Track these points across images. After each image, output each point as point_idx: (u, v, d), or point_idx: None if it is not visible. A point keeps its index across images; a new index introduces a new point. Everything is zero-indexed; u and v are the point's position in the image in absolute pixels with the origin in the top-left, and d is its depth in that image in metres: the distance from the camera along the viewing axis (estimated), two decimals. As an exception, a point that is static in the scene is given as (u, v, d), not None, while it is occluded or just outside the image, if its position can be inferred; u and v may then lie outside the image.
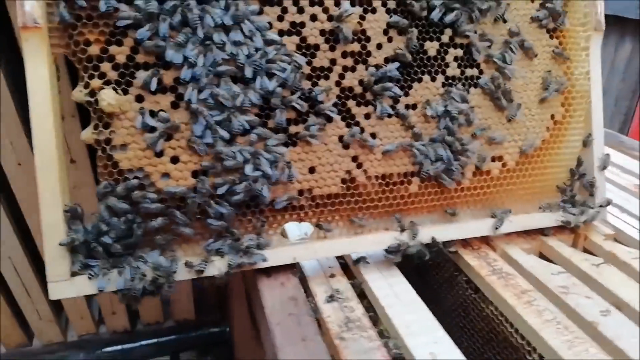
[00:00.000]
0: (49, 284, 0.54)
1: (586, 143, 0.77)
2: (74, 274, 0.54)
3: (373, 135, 0.65)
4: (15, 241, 0.88)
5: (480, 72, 0.70)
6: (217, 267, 0.59)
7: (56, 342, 1.10)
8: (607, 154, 0.78)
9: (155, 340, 1.18)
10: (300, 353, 0.52)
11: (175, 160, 0.57)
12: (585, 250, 0.77)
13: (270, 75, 0.58)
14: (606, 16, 1.62)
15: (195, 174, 0.57)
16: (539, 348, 0.58)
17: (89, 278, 0.54)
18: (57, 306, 1.05)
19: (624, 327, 0.58)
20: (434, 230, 0.69)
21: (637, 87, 1.40)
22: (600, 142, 0.77)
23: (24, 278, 0.94)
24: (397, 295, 0.63)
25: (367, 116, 0.65)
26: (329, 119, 0.63)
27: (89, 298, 1.06)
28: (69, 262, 0.54)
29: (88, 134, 0.55)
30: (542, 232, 0.77)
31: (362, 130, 0.64)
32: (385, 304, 0.61)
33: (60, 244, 0.53)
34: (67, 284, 0.54)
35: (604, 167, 0.77)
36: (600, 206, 0.77)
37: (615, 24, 1.60)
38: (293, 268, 0.65)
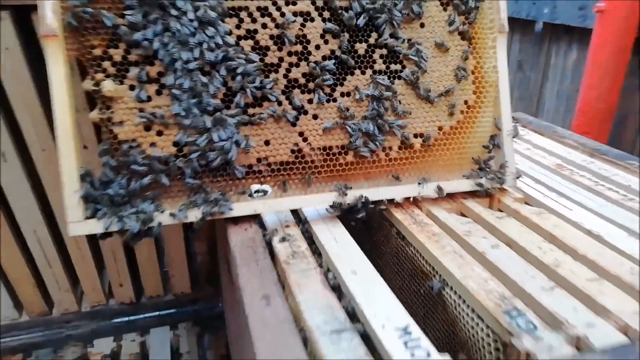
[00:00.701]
0: (70, 224, 0.71)
1: (497, 124, 0.94)
2: (87, 218, 0.72)
3: (315, 117, 0.83)
4: (40, 217, 1.06)
5: (403, 66, 0.87)
6: (194, 215, 0.76)
7: (72, 312, 1.26)
8: (515, 125, 0.94)
9: (157, 312, 1.35)
10: (253, 270, 0.68)
11: (160, 133, 0.75)
12: (499, 210, 0.93)
13: (231, 69, 0.76)
14: (557, 25, 1.80)
15: (175, 143, 0.75)
16: (439, 270, 0.73)
17: (98, 220, 0.72)
18: (73, 278, 1.22)
19: (506, 255, 0.74)
20: (369, 192, 0.85)
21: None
22: (508, 120, 0.94)
23: (46, 250, 1.12)
24: (335, 239, 0.79)
25: (310, 101, 0.82)
26: (280, 103, 0.81)
27: (100, 271, 1.23)
28: (83, 209, 0.72)
29: (95, 114, 0.73)
30: (472, 195, 0.93)
31: (306, 112, 0.82)
32: (325, 243, 0.77)
33: (80, 197, 0.71)
34: (82, 224, 0.72)
35: (514, 135, 0.93)
36: (515, 177, 0.94)
37: (565, 33, 1.78)
38: (255, 219, 0.82)
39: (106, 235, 0.73)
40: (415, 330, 0.57)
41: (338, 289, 0.67)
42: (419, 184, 0.87)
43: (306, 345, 0.57)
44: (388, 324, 0.58)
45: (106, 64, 0.73)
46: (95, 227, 0.72)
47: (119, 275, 1.23)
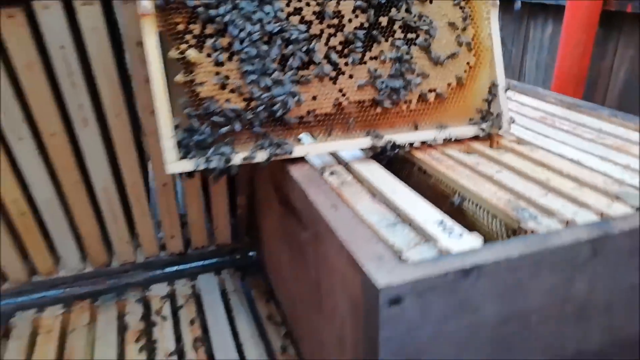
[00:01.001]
0: (167, 164, 0.87)
1: (493, 81, 1.13)
2: (180, 159, 0.89)
3: (351, 76, 1.00)
4: (110, 176, 1.22)
5: (417, 35, 1.06)
6: (261, 156, 0.94)
7: (129, 262, 1.42)
8: (508, 81, 1.13)
9: (202, 262, 1.52)
10: (317, 190, 0.86)
11: (232, 91, 0.92)
12: (498, 148, 1.12)
13: (285, 38, 0.94)
14: (534, 4, 2.00)
15: (244, 99, 0.92)
16: (458, 189, 0.92)
17: (189, 160, 0.89)
18: (132, 231, 1.38)
19: (508, 176, 0.92)
20: (395, 137, 1.04)
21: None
22: (501, 77, 1.12)
23: (113, 207, 1.28)
24: (371, 171, 0.97)
25: (346, 64, 1.00)
26: (322, 66, 0.98)
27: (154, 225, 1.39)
28: (177, 152, 0.88)
29: (180, 77, 0.90)
30: (476, 138, 1.12)
31: (343, 73, 1.00)
32: (365, 175, 0.95)
33: (177, 141, 0.87)
34: (176, 164, 0.88)
35: (506, 90, 1.12)
36: (509, 123, 1.13)
37: (542, 10, 1.98)
38: (305, 160, 1.00)
39: (191, 174, 0.91)
40: (449, 222, 0.76)
41: (384, 204, 0.86)
42: (438, 129, 1.06)
43: (370, 235, 0.75)
44: (428, 219, 0.77)
45: (188, 37, 0.89)
46: (187, 166, 0.89)
47: (172, 228, 1.40)
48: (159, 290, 1.43)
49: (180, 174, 0.93)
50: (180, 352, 1.22)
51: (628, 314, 0.82)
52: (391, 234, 0.74)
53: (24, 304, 1.36)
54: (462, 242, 0.71)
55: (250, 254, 1.55)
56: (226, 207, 1.42)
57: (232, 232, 1.49)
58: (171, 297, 1.41)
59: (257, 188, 1.38)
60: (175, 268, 1.49)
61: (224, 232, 1.47)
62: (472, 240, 0.71)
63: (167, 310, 1.36)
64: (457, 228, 0.74)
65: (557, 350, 0.80)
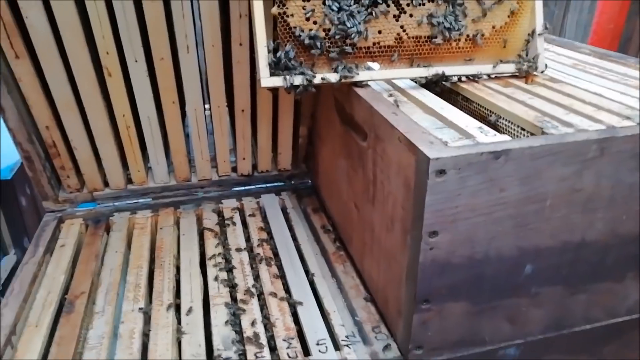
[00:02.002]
0: (262, 79, 1.12)
1: (533, 26, 1.32)
2: (271, 75, 1.14)
3: (411, 15, 1.22)
4: (200, 98, 1.48)
5: (469, -17, 1.26)
6: (334, 78, 1.17)
7: (206, 179, 1.70)
8: (546, 24, 1.33)
9: (265, 185, 1.78)
10: (378, 103, 1.09)
11: (315, 22, 1.15)
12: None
13: (359, -19, 1.16)
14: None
15: (323, 30, 1.15)
16: (495, 110, 1.14)
17: (277, 76, 1.13)
18: (211, 151, 1.65)
19: (538, 102, 1.13)
20: (444, 69, 1.25)
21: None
22: (540, 23, 1.32)
23: (199, 126, 1.55)
24: (423, 95, 1.19)
25: (408, 4, 1.21)
26: (388, 5, 1.20)
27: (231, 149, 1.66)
28: (269, 70, 1.13)
29: (275, 10, 1.13)
30: (514, 76, 1.33)
31: (405, 12, 1.21)
32: (418, 96, 1.18)
33: (270, 61, 1.12)
34: (268, 79, 1.13)
35: (540, 34, 1.32)
36: (544, 64, 1.33)
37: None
38: (367, 85, 1.23)
39: (288, 90, 1.15)
40: (486, 128, 0.99)
41: (434, 116, 1.08)
42: (482, 65, 1.27)
43: (424, 133, 0.98)
44: (469, 125, 1.00)
45: (281, -23, 1.13)
46: (277, 81, 1.14)
47: (244, 151, 1.66)
48: (229, 204, 1.70)
49: (276, 88, 1.17)
50: (250, 248, 1.49)
51: (628, 210, 1.03)
52: (439, 133, 0.97)
53: (120, 207, 1.66)
54: (495, 138, 0.93)
55: (306, 180, 1.80)
56: (290, 137, 1.67)
57: (292, 160, 1.74)
58: (240, 210, 1.68)
59: (317, 122, 1.63)
60: (242, 187, 1.76)
61: (286, 159, 1.73)
62: (504, 138, 0.93)
63: (237, 218, 1.63)
64: (492, 131, 0.97)
65: (565, 235, 1.03)
